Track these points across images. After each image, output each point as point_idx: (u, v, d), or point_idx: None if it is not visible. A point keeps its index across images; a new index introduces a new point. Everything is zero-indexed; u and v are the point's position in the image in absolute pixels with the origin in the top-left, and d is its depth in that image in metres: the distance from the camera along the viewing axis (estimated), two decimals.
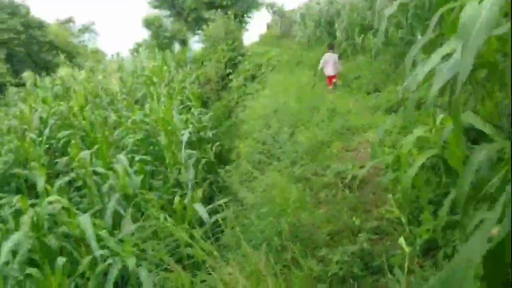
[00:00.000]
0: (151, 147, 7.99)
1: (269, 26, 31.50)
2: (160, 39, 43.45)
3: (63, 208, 4.93)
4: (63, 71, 14.41)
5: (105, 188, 5.80)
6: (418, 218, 3.18)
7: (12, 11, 22.45)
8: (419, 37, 8.04)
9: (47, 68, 22.63)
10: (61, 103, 11.10)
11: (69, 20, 47.09)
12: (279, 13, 28.25)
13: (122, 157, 6.04)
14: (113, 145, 7.94)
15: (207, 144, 9.57)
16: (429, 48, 3.57)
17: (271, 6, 28.94)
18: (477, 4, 1.98)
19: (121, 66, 15.17)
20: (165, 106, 8.74)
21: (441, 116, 2.67)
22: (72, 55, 30.18)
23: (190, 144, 9.18)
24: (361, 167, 4.59)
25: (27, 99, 13.85)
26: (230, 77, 15.17)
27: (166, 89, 12.83)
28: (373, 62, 9.40)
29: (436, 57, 2.14)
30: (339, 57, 9.24)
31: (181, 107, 11.48)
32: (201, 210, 4.76)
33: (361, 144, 5.62)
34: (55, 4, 75.72)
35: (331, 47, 9.51)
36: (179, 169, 6.89)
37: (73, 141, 7.95)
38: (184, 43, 38.03)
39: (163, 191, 6.88)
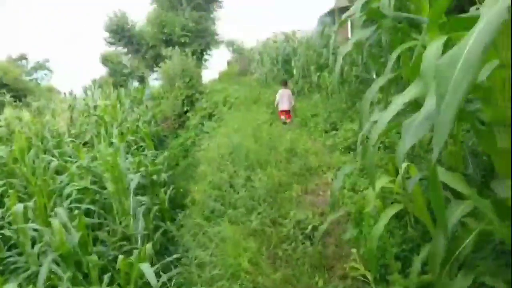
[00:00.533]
0: (98, 195, 7.30)
1: (229, 63, 31.87)
2: (118, 76, 42.80)
3: None
4: (7, 112, 13.43)
5: (39, 247, 5.08)
6: (385, 277, 2.86)
7: None
8: (374, 75, 8.14)
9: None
10: (2, 147, 10.17)
11: (22, 57, 45.46)
12: (238, 50, 28.70)
13: (60, 210, 5.36)
14: (55, 194, 7.19)
15: (161, 188, 8.98)
16: (387, 89, 3.40)
17: (230, 43, 29.35)
18: (441, 45, 1.76)
19: (71, 105, 14.41)
20: (112, 148, 8.13)
21: (405, 164, 2.41)
22: (22, 94, 28.77)
23: (143, 189, 8.58)
24: (322, 214, 4.28)
25: None
26: (188, 114, 14.81)
27: (118, 129, 12.20)
28: (329, 99, 9.39)
29: (397, 103, 1.89)
30: (293, 93, 9.93)
31: (133, 147, 10.88)
32: (148, 272, 4.17)
33: (320, 186, 5.34)
34: (7, 40, 73.09)
35: (284, 84, 10.16)
36: (128, 220, 6.27)
37: (10, 191, 7.14)
38: (142, 80, 37.54)
39: (110, 246, 6.20)
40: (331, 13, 17.79)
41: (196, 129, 12.37)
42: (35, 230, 5.49)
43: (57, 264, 5.05)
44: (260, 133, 8.19)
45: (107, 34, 23.86)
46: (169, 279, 4.38)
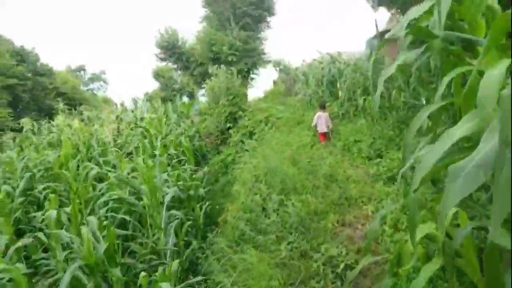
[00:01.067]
0: (133, 207, 7.35)
1: (275, 83, 31.99)
2: (169, 91, 44.43)
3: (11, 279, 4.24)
4: (59, 119, 14.17)
5: (67, 253, 5.12)
6: None
7: (20, 58, 22.97)
8: (423, 102, 7.66)
9: (51, 114, 22.66)
10: (49, 152, 10.67)
11: (81, 68, 48.63)
12: (285, 70, 28.77)
13: (92, 219, 5.40)
14: (92, 201, 7.34)
15: (197, 203, 8.94)
16: (436, 118, 3.06)
17: (277, 63, 29.53)
18: (503, 70, 1.47)
19: (119, 116, 14.96)
20: (153, 161, 8.21)
21: (453, 211, 2.08)
22: (78, 103, 30.52)
23: (180, 203, 8.57)
24: (357, 251, 3.93)
25: (22, 145, 13.50)
26: (230, 131, 14.86)
27: (162, 142, 12.43)
28: (375, 125, 8.97)
29: (446, 140, 1.60)
30: (336, 116, 10.37)
31: (175, 161, 10.98)
32: None
33: (359, 219, 4.97)
34: (68, 52, 78.70)
35: (322, 107, 10.27)
36: (159, 234, 6.21)
37: (51, 195, 7.39)
38: (192, 96, 38.61)
39: (139, 259, 6.17)
40: (380, 35, 17.32)
41: (237, 146, 12.33)
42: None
43: (84, 273, 5.06)
44: (300, 155, 7.94)
45: (158, 50, 24.84)
46: None
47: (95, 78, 49.58)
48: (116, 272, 4.83)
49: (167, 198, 6.74)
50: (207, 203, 8.83)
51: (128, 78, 71.27)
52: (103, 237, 5.22)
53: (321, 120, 9.71)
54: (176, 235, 6.98)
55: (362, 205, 5.30)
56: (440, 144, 1.54)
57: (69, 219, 6.18)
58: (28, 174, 8.34)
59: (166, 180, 8.78)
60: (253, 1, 22.97)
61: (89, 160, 10.87)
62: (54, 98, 30.83)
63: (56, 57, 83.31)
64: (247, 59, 22.28)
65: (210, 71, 16.43)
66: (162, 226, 6.23)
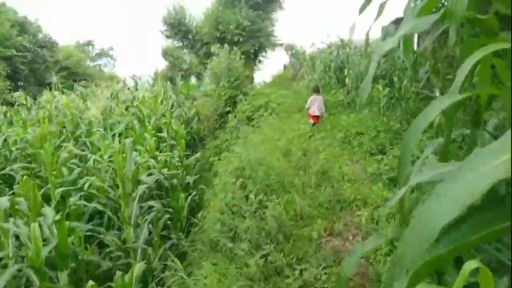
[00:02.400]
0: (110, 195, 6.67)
1: (285, 68, 30.94)
2: (176, 71, 43.63)
3: None
4: (46, 95, 13.48)
5: (13, 250, 4.47)
6: None
7: (21, 29, 22.23)
8: (437, 93, 6.80)
9: (51, 88, 22.14)
10: (36, 129, 10.03)
11: (89, 43, 47.87)
12: (296, 55, 27.68)
13: (48, 210, 4.75)
14: (63, 186, 6.69)
15: (185, 192, 8.28)
16: (449, 120, 2.27)
17: (289, 47, 28.37)
18: None
19: (113, 94, 14.25)
20: (120, 143, 7.51)
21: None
22: (82, 78, 29.92)
23: (165, 192, 7.94)
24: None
25: (12, 120, 12.90)
26: (229, 116, 14.09)
27: (155, 124, 11.74)
28: (381, 116, 8.13)
29: (473, 164, 0.84)
30: (323, 100, 10.20)
31: (164, 145, 10.30)
32: None
33: (350, 227, 4.24)
34: (77, 27, 77.89)
35: (316, 91, 10.19)
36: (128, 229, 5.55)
37: (21, 177, 6.77)
38: (199, 76, 37.79)
39: (105, 256, 5.54)
40: (397, 22, 16.21)
41: (233, 132, 11.59)
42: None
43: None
44: (294, 146, 7.18)
45: (164, 27, 23.94)
46: None
47: (102, 54, 48.83)
48: (63, 277, 4.18)
49: (142, 188, 6.04)
50: (194, 193, 8.15)
51: (138, 56, 70.19)
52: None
53: (314, 104, 9.70)
54: (154, 229, 6.34)
55: (356, 210, 4.55)
56: (471, 162, 0.78)
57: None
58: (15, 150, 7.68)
59: (149, 166, 8.13)
60: None
61: (76, 140, 10.24)
62: (57, 72, 30.29)
63: (64, 32, 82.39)
64: (254, 40, 21.30)
65: (212, 50, 15.56)
66: (132, 219, 5.55)
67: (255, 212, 4.34)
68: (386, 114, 8.15)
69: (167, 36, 24.48)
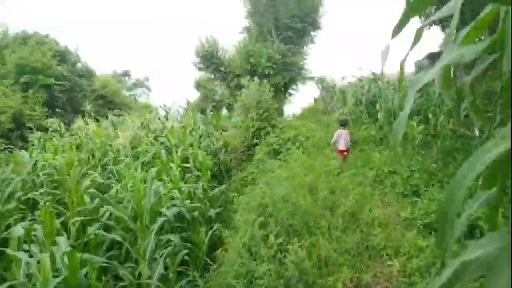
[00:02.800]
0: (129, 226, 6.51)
1: (316, 101, 30.78)
2: (209, 102, 44.45)
3: None
4: (78, 122, 13.84)
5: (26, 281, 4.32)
6: None
7: (61, 58, 23.40)
8: (476, 132, 6.34)
9: (83, 116, 23.07)
10: (57, 157, 10.15)
11: (125, 74, 49.94)
12: (327, 88, 27.56)
13: (62, 240, 4.61)
14: (83, 214, 6.61)
15: (206, 225, 8.03)
16: (504, 164, 1.94)
17: (320, 80, 28.30)
18: None
19: (143, 123, 14.46)
20: (142, 173, 7.41)
21: None
22: (118, 108, 30.91)
23: (187, 224, 7.73)
24: None
25: (45, 146, 13.25)
26: (257, 148, 13.91)
27: (182, 154, 11.70)
28: (415, 155, 7.68)
29: None
30: (350, 134, 10.18)
31: (188, 175, 10.17)
32: None
33: (380, 279, 3.81)
34: (114, 56, 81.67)
35: (343, 124, 10.15)
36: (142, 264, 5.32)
37: (44, 203, 6.75)
38: (231, 108, 38.25)
39: None
40: (430, 56, 15.84)
41: (259, 165, 11.34)
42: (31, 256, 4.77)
43: None
44: (321, 183, 6.83)
45: (197, 59, 24.54)
46: None
47: (138, 84, 50.67)
48: None
49: (161, 220, 5.83)
50: (215, 227, 7.88)
51: (172, 87, 72.54)
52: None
53: (341, 138, 9.68)
54: (171, 264, 6.08)
55: (387, 258, 4.13)
56: None
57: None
58: (19, 178, 7.77)
59: (172, 197, 7.97)
60: (297, 13, 22.15)
61: (103, 168, 10.30)
62: (93, 100, 31.49)
63: (103, 61, 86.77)
64: (285, 73, 21.36)
65: (242, 82, 15.63)
66: (147, 254, 5.32)
67: (274, 257, 4.00)
68: (420, 152, 7.70)
69: (200, 68, 25.03)
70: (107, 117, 19.02)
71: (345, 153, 9.66)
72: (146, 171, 9.99)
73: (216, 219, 9.10)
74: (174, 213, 6.68)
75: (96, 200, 7.11)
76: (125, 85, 49.39)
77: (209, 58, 24.32)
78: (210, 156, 14.19)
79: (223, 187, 10.55)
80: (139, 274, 5.41)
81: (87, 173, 8.68)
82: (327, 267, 4.03)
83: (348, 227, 4.89)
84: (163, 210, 6.54)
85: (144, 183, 6.58)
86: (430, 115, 8.66)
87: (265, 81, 15.14)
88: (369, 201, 5.91)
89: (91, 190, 6.83)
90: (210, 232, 7.69)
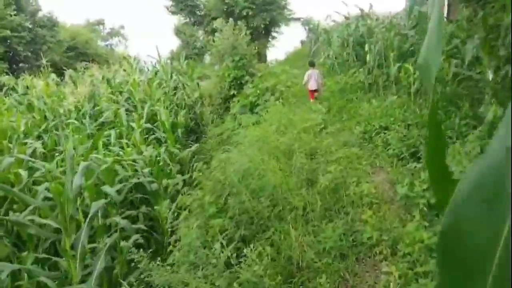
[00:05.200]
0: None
1: (303, 44, 28.76)
2: (190, 49, 41.94)
3: None
4: (26, 80, 12.14)
5: None
6: None
7: (18, 7, 20.88)
8: (490, 75, 5.07)
9: (61, 71, 21.23)
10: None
11: (99, 22, 46.52)
12: (314, 30, 25.53)
13: None
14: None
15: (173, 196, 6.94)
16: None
17: (306, 22, 26.10)
18: None
19: (104, 77, 12.82)
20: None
21: None
22: (91, 59, 28.73)
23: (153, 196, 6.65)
24: None
25: None
26: (234, 100, 12.54)
27: (146, 111, 10.33)
28: (411, 105, 6.46)
29: None
30: (321, 73, 10.35)
31: (152, 137, 8.90)
32: None
33: None
34: (86, 6, 76.14)
35: (312, 65, 10.11)
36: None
37: None
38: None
39: None
40: None
41: (235, 121, 10.08)
42: None
43: None
44: (300, 144, 5.65)
45: (170, 2, 22.27)
46: None
47: (113, 33, 47.47)
48: None
49: (97, 205, 4.64)
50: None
51: (152, 34, 68.53)
52: None
53: (311, 78, 9.65)
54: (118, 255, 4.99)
55: (380, 258, 3.04)
56: None
57: None
58: None
59: (134, 167, 6.80)
60: None
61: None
62: (64, 53, 29.10)
63: (75, 10, 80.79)
64: (266, 14, 19.42)
65: (214, 25, 13.85)
66: (79, 249, 4.19)
67: (223, 271, 2.87)
68: (417, 101, 6.47)
69: (173, 12, 22.82)
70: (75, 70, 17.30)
71: (316, 93, 9.69)
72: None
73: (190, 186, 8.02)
74: (120, 193, 5.51)
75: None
76: (100, 35, 46.25)
77: (183, 0, 22.09)
78: (183, 111, 12.88)
79: (193, 147, 9.32)
80: (69, 277, 4.30)
81: (25, 142, 7.34)
82: (301, 272, 2.95)
83: (328, 209, 3.77)
84: (105, 187, 5.34)
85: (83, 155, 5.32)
86: None
87: (239, 23, 13.37)
88: (356, 168, 4.77)
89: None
90: (173, 205, 6.60)
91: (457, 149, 4.51)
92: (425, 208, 3.39)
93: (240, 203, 3.76)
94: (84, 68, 18.09)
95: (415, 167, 4.31)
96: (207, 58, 35.41)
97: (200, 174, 5.32)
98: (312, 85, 9.65)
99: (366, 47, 9.76)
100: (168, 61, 16.63)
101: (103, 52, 37.29)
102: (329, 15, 15.65)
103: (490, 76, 4.81)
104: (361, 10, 11.36)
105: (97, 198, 5.22)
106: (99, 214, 5.13)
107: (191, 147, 9.90)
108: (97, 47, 36.74)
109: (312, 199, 3.92)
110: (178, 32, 41.11)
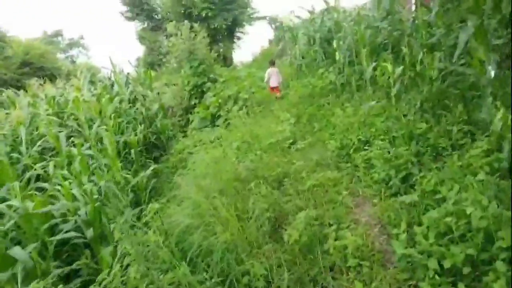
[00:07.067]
0: None
1: (270, 44, 27.63)
2: (155, 56, 40.21)
3: None
4: None
5: None
6: None
7: None
8: (491, 71, 4.09)
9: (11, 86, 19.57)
10: None
11: (57, 34, 44.20)
12: (280, 28, 24.45)
13: None
14: None
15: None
16: None
17: (273, 20, 24.97)
18: None
19: (47, 96, 11.35)
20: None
21: None
22: (50, 74, 26.90)
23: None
24: None
25: None
26: (196, 110, 11.32)
27: (94, 132, 9.02)
28: (393, 109, 5.44)
29: None
30: (279, 71, 10.84)
31: (95, 164, 7.61)
32: None
33: None
34: (43, 19, 72.53)
35: (272, 63, 10.74)
36: None
37: None
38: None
39: None
40: None
41: (194, 136, 8.90)
42: None
43: None
44: (264, 170, 4.55)
45: (124, 8, 20.80)
46: None
47: (73, 44, 45.23)
48: None
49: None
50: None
51: (115, 42, 66.11)
52: None
53: (272, 77, 10.30)
54: None
55: None
56: None
57: None
58: None
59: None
60: None
61: None
62: (17, 69, 27.16)
63: (30, 25, 76.88)
64: (227, 14, 18.26)
65: (168, 29, 12.58)
66: None
67: None
68: (400, 105, 5.45)
69: (128, 18, 21.37)
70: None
71: (277, 92, 10.20)
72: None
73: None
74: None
75: None
76: (58, 47, 43.89)
77: (138, 5, 20.66)
78: (141, 126, 11.62)
79: (148, 171, 8.08)
80: None
81: None
82: None
83: (300, 281, 2.66)
84: (15, 250, 4.09)
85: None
86: (404, 49, 6.32)
87: (196, 25, 12.16)
88: (334, 200, 3.70)
89: None
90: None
91: (456, 165, 3.51)
92: (436, 276, 2.33)
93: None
94: (40, 84, 16.48)
95: (411, 202, 3.24)
96: (175, 65, 33.91)
97: (153, 216, 4.09)
98: (273, 82, 10.37)
99: (335, 44, 8.75)
100: (124, 70, 15.19)
101: (61, 65, 35.20)
102: (293, 10, 14.64)
103: (491, 73, 3.82)
104: (326, 2, 10.36)
105: (2, 267, 3.97)
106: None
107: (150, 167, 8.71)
108: (56, 60, 34.63)
109: (277, 262, 2.82)
110: (141, 38, 39.36)
